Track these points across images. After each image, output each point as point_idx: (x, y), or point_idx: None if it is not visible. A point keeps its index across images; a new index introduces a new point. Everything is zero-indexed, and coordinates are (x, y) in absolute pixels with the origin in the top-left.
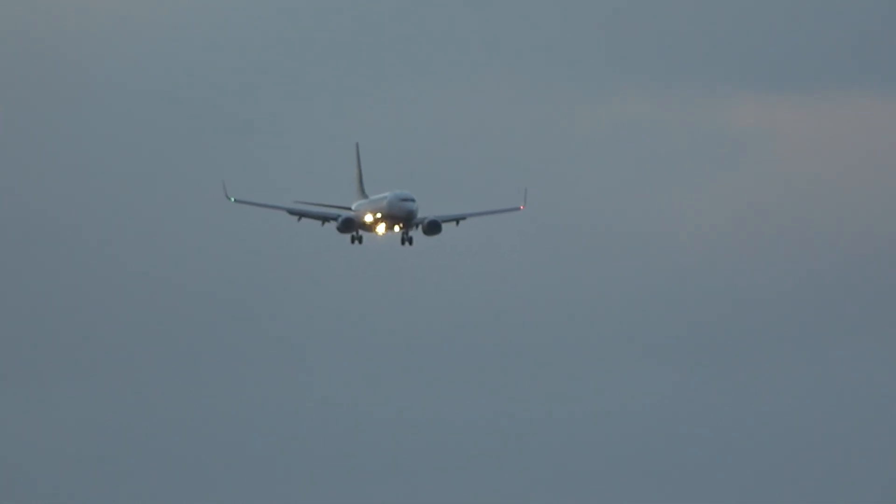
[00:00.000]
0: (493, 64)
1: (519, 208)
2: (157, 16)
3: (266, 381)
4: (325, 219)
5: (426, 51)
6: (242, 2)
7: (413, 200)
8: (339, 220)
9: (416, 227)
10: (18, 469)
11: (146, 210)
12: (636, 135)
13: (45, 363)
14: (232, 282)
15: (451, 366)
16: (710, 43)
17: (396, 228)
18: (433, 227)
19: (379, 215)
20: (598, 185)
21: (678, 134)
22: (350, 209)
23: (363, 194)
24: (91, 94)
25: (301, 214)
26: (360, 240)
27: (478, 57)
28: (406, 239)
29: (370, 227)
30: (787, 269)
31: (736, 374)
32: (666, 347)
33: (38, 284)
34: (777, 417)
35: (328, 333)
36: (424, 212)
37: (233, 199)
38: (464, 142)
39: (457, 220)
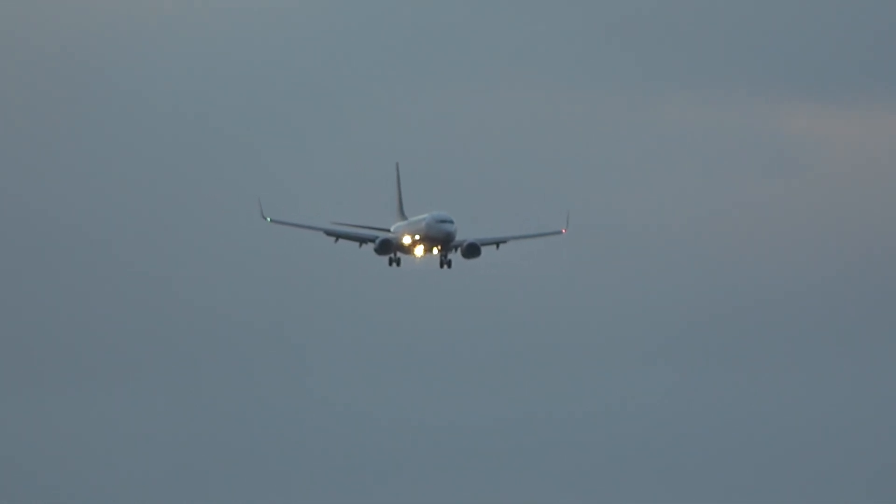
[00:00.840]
0: (537, 85)
1: (561, 232)
2: (194, 34)
3: (305, 406)
4: (362, 240)
5: (468, 71)
6: (281, 20)
7: (452, 222)
8: (377, 241)
9: (455, 249)
10: (25, 473)
11: (182, 230)
12: (681, 154)
13: (83, 385)
14: (268, 305)
15: (489, 391)
16: (755, 51)
17: (435, 251)
18: (472, 251)
19: (417, 237)
20: (643, 207)
21: (726, 152)
22: (389, 231)
23: (402, 216)
24: (127, 113)
25: (338, 236)
26: (398, 262)
27: (521, 79)
28: (445, 262)
29: (408, 250)
30: (832, 277)
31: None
32: (721, 373)
33: (73, 305)
34: (798, 420)
35: (364, 357)
36: (464, 234)
37: (269, 219)
38: (506, 163)
39: (497, 243)
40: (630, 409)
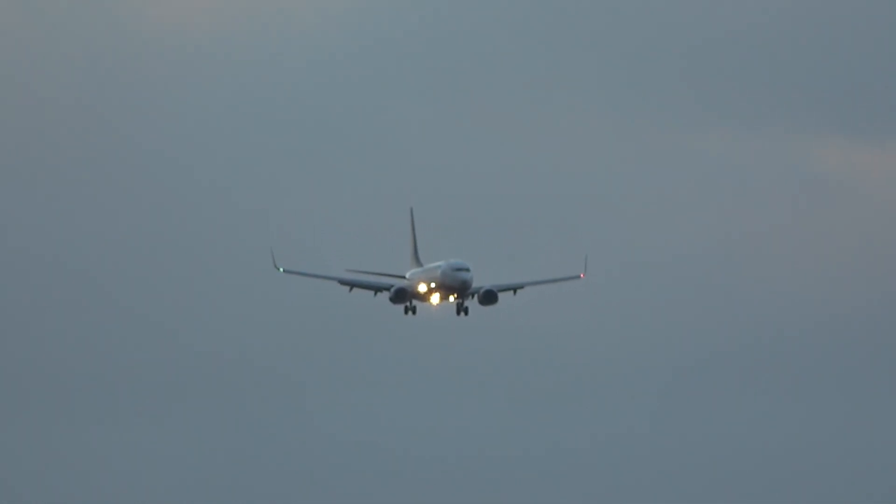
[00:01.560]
0: (553, 128)
1: (579, 276)
2: (205, 83)
3: (325, 459)
4: (377, 289)
5: (483, 114)
6: (295, 67)
7: (468, 270)
8: (392, 290)
9: (472, 296)
10: None
11: (192, 283)
12: (703, 194)
13: (99, 438)
14: (284, 357)
15: (510, 439)
16: (786, 88)
17: (451, 298)
18: (489, 297)
19: (433, 285)
20: (664, 250)
21: (751, 190)
22: (404, 278)
23: (418, 262)
24: (139, 165)
25: (353, 285)
26: (413, 311)
27: (537, 122)
28: (461, 309)
29: (424, 298)
30: (870, 313)
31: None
32: (746, 433)
33: (89, 358)
34: (831, 454)
35: (383, 408)
36: (480, 280)
37: (282, 270)
38: (522, 207)
39: (514, 289)
40: (649, 458)
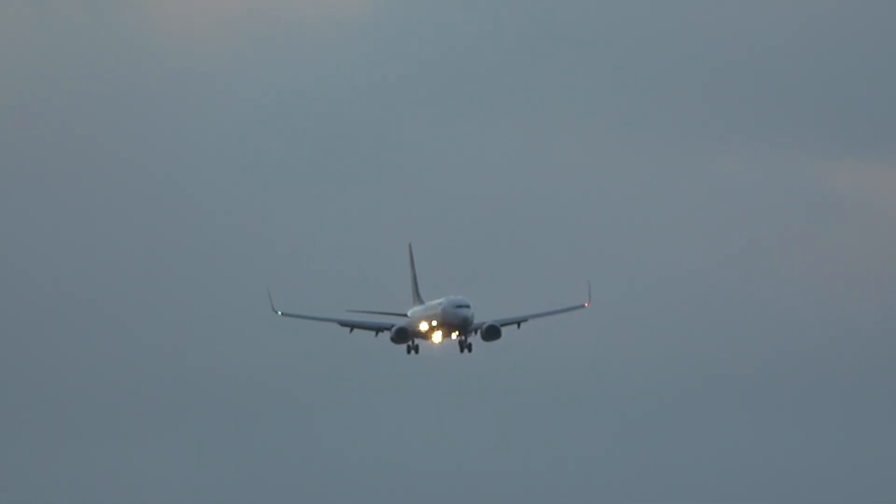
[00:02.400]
0: (551, 158)
1: (583, 306)
2: (204, 119)
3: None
4: (378, 329)
5: (480, 145)
6: (291, 102)
7: (468, 307)
8: (392, 330)
9: (475, 332)
10: None
11: (189, 328)
12: (706, 220)
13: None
14: (285, 400)
15: (522, 482)
16: (806, 107)
17: (454, 335)
18: (492, 333)
19: (434, 323)
20: (668, 276)
21: (758, 216)
22: (406, 315)
23: (419, 300)
24: (138, 203)
25: (353, 326)
26: (416, 349)
27: (535, 153)
28: (465, 346)
29: (426, 336)
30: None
31: None
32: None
33: (84, 405)
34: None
35: (387, 451)
36: (483, 315)
37: (280, 313)
38: (521, 238)
39: (518, 322)
40: (661, 493)
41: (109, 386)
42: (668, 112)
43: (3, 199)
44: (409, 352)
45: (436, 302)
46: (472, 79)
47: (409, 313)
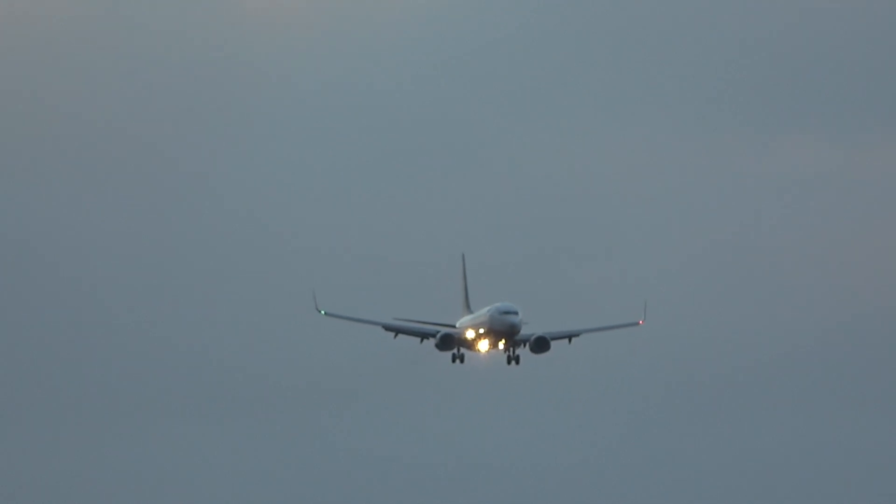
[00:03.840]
0: (608, 171)
1: (638, 323)
2: (263, 123)
3: None
4: (423, 335)
5: (535, 156)
6: (341, 105)
7: (516, 313)
8: (438, 336)
9: (524, 344)
10: None
11: (234, 321)
12: (770, 239)
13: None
14: (326, 405)
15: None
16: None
17: (501, 345)
18: (541, 345)
19: (482, 331)
20: (726, 296)
21: (822, 231)
22: (454, 326)
23: (469, 309)
24: (179, 201)
25: (397, 331)
26: (461, 358)
27: (592, 164)
28: (512, 357)
29: (472, 345)
30: None
31: None
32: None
33: (126, 403)
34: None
35: (411, 455)
36: (536, 328)
37: (323, 312)
38: (579, 251)
39: (569, 336)
40: None
41: (150, 382)
42: (738, 125)
43: (37, 192)
44: (454, 360)
45: (484, 310)
46: (535, 85)
47: (457, 324)
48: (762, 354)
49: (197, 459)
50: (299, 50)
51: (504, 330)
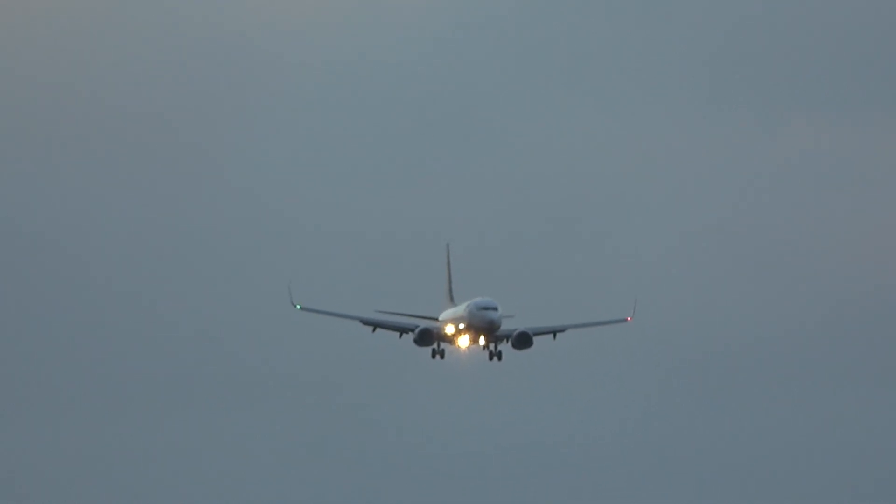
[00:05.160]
0: (598, 157)
1: (626, 320)
2: (237, 109)
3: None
4: (403, 330)
5: (522, 141)
6: (323, 90)
7: (495, 309)
8: (416, 331)
9: (506, 339)
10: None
11: (204, 318)
12: (762, 232)
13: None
14: (302, 402)
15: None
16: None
17: (481, 341)
18: (522, 341)
19: (461, 326)
20: (719, 293)
21: (818, 225)
22: (437, 319)
23: (452, 301)
24: (158, 187)
25: (376, 325)
26: (441, 354)
27: (579, 151)
28: (494, 353)
29: (452, 340)
30: None
31: None
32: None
33: (92, 398)
34: None
35: (396, 462)
36: (521, 323)
37: (299, 307)
38: (566, 244)
39: (554, 332)
40: None
41: (122, 376)
42: (728, 113)
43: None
44: (434, 356)
45: (463, 305)
46: (524, 71)
47: (440, 317)
48: (758, 356)
49: (166, 454)
50: (288, 29)
51: (482, 326)
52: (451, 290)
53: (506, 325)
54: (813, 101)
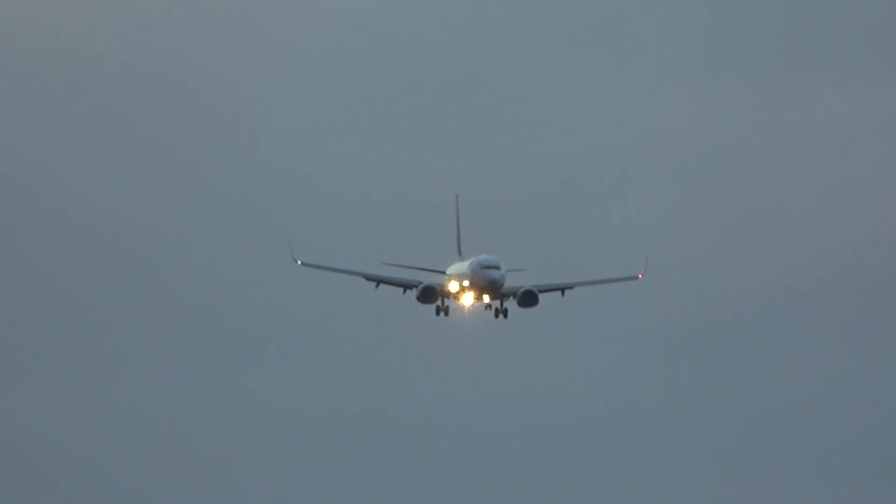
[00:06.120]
0: (612, 113)
1: (637, 277)
2: (240, 58)
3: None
4: (406, 286)
5: (534, 99)
6: (332, 50)
7: (498, 268)
8: (419, 288)
9: (512, 297)
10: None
11: (206, 276)
12: (771, 188)
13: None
14: (301, 361)
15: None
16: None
17: (486, 298)
18: (528, 299)
19: (464, 283)
20: (733, 250)
21: (832, 181)
22: (444, 273)
23: (460, 256)
24: (159, 146)
25: (378, 280)
26: (446, 311)
27: (591, 108)
28: (500, 311)
29: (456, 297)
30: None
31: None
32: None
33: (94, 354)
34: None
35: (389, 422)
36: (530, 279)
37: (300, 262)
38: (579, 198)
39: (562, 289)
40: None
41: (121, 332)
42: (739, 77)
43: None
44: (437, 313)
45: (466, 262)
46: (533, 26)
47: (447, 271)
48: (773, 314)
49: (165, 410)
50: None
51: (484, 285)
52: (459, 244)
53: (514, 281)
54: (823, 65)
